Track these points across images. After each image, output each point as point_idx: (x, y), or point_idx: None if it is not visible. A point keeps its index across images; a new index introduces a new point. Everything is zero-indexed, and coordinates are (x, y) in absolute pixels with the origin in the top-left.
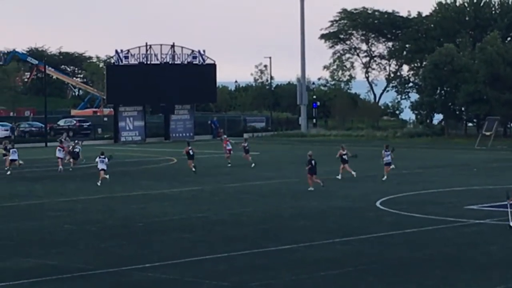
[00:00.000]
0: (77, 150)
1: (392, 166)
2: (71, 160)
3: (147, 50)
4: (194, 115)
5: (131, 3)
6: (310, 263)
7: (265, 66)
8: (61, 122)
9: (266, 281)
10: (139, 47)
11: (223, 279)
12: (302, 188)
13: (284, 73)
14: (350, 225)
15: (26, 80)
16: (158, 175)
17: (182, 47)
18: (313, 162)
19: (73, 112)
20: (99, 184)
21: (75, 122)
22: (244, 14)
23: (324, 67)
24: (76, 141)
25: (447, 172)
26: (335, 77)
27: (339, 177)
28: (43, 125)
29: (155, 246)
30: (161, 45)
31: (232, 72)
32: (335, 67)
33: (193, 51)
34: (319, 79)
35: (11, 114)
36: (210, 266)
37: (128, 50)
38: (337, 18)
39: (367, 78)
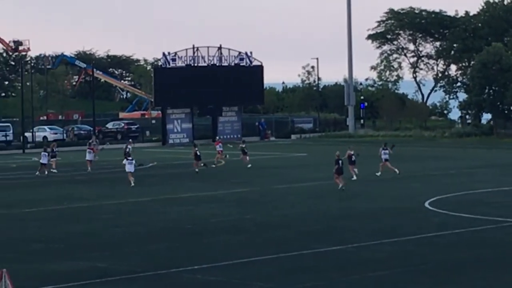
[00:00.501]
0: (128, 150)
1: (397, 169)
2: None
3: (194, 53)
4: (242, 117)
5: (178, 6)
6: (358, 264)
7: (312, 67)
8: (109, 125)
9: (314, 282)
10: (186, 49)
11: (271, 281)
12: (351, 189)
13: (332, 74)
14: (398, 226)
15: (74, 83)
16: (206, 177)
17: (229, 49)
18: (340, 162)
19: (121, 115)
20: (132, 184)
21: (123, 125)
22: (291, 15)
23: (372, 67)
24: (130, 140)
25: (496, 172)
26: (383, 77)
27: (354, 178)
28: (92, 128)
29: (204, 248)
30: (208, 47)
31: (279, 74)
32: (382, 67)
33: (240, 52)
34: (366, 79)
35: (60, 117)
36: (258, 268)
37: (176, 53)
38: (384, 18)
39: (415, 78)
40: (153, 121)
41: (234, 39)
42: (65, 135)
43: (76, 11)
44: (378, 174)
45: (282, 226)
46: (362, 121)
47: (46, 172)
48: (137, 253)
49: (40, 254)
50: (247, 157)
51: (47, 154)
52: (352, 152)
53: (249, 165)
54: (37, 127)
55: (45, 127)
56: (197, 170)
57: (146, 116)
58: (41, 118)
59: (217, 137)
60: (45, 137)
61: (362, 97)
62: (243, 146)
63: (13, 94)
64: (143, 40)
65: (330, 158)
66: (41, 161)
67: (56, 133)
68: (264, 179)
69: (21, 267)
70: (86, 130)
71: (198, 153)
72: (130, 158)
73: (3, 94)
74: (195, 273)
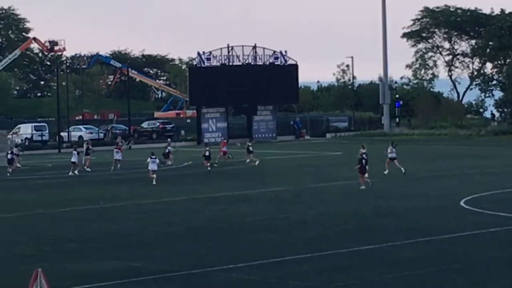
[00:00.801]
0: (167, 151)
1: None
2: (168, 160)
3: (229, 52)
4: (277, 116)
5: (213, 5)
6: (392, 263)
7: (347, 65)
8: (144, 124)
9: (349, 281)
10: (221, 48)
11: (305, 280)
12: (385, 187)
13: (367, 72)
14: (433, 225)
15: (109, 83)
16: (241, 176)
17: (264, 48)
18: (363, 161)
19: (157, 114)
20: (154, 183)
21: (158, 124)
22: (325, 14)
23: (407, 66)
24: (169, 140)
25: None
26: (418, 75)
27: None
28: (127, 128)
29: (239, 247)
30: (242, 46)
31: (314, 72)
32: (417, 65)
33: (274, 51)
34: (401, 78)
35: (95, 117)
36: (293, 267)
37: (210, 52)
38: (419, 17)
39: (450, 76)
40: (188, 120)
41: (269, 38)
42: (102, 134)
43: (111, 11)
44: (386, 172)
45: (317, 225)
46: (397, 119)
47: (76, 171)
48: (172, 252)
49: (75, 254)
50: (251, 155)
51: (77, 153)
52: (364, 151)
53: (257, 162)
54: (72, 127)
55: (81, 126)
56: (209, 168)
57: (181, 116)
58: (77, 117)
59: (222, 138)
60: (80, 137)
61: (397, 96)
62: (249, 144)
63: (48, 94)
64: (178, 40)
65: None
66: (71, 160)
67: (91, 133)
68: (299, 178)
69: (56, 266)
70: (122, 130)
71: (207, 153)
72: (153, 156)
73: (39, 94)
74: (230, 272)
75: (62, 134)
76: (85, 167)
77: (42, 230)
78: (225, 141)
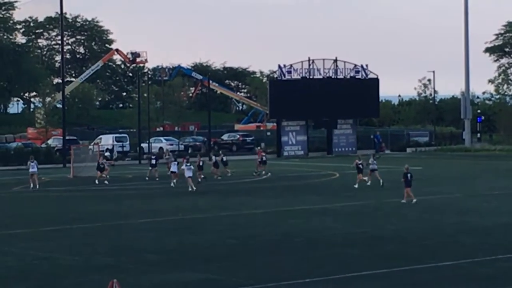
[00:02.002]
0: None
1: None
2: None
3: (309, 65)
4: (357, 130)
5: (294, 18)
6: (471, 280)
7: (429, 80)
8: (225, 137)
9: None
10: (302, 61)
11: None
12: (466, 203)
13: (448, 87)
14: None
15: (190, 95)
16: (320, 189)
17: (344, 62)
18: (408, 175)
19: (237, 126)
20: (191, 189)
21: (238, 136)
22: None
23: (489, 81)
24: (220, 152)
25: None
26: (500, 90)
27: (356, 186)
28: (207, 140)
29: (316, 261)
30: (323, 59)
31: (395, 87)
32: (500, 80)
33: (355, 65)
34: (483, 93)
35: (176, 128)
36: (370, 282)
37: (291, 65)
38: (502, 31)
39: None
40: (268, 133)
41: (350, 52)
42: (199, 145)
43: (193, 23)
44: (368, 183)
45: (395, 240)
46: (478, 135)
47: (175, 180)
48: (249, 265)
49: (152, 265)
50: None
51: (177, 162)
52: (360, 161)
53: (268, 174)
54: (153, 138)
55: (161, 138)
56: (199, 180)
57: (262, 128)
58: (158, 129)
59: (258, 148)
60: (161, 148)
61: (478, 111)
62: (263, 154)
63: (130, 105)
64: (259, 52)
65: (445, 172)
66: (171, 169)
67: (172, 144)
68: (378, 192)
69: (132, 277)
70: (202, 142)
71: (201, 163)
72: (188, 164)
73: (121, 105)
74: (306, 286)
75: (142, 145)
76: (156, 177)
77: (120, 241)
78: (261, 150)
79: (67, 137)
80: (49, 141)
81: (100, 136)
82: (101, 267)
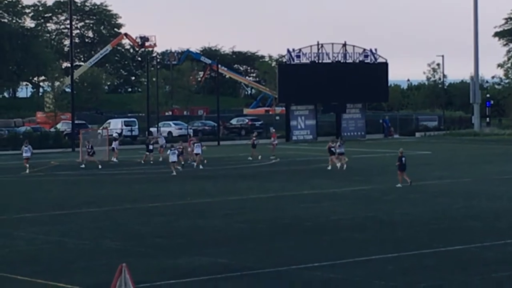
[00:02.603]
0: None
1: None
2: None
3: (318, 49)
4: (366, 114)
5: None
6: (480, 264)
7: (438, 64)
8: (233, 121)
9: (435, 282)
10: (311, 46)
11: (392, 280)
12: (475, 188)
13: (457, 71)
14: None
15: (199, 79)
16: (329, 174)
17: (353, 46)
18: (403, 159)
19: (246, 111)
20: (174, 173)
21: (247, 121)
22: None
23: (498, 65)
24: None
25: None
26: (509, 75)
27: (338, 165)
28: (216, 124)
29: (324, 245)
30: (332, 44)
31: (404, 71)
32: (509, 65)
33: (364, 49)
34: (493, 77)
35: (185, 113)
36: (378, 266)
37: (300, 49)
38: None
39: None
40: (277, 118)
41: (358, 36)
42: (217, 129)
43: (202, 7)
44: (338, 165)
45: (404, 225)
46: (487, 119)
47: (180, 167)
48: (258, 249)
49: (161, 249)
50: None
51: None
52: (333, 145)
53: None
54: (162, 122)
55: (170, 122)
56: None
57: (270, 113)
58: (166, 113)
59: (272, 129)
60: (169, 132)
61: (488, 95)
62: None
63: (139, 90)
64: (268, 37)
65: (454, 156)
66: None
67: (180, 129)
68: (387, 177)
69: (142, 261)
70: (211, 126)
71: (256, 143)
72: (173, 148)
73: (130, 89)
74: (315, 270)
75: (151, 129)
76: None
77: (129, 225)
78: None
79: (76, 121)
80: (58, 125)
81: (109, 120)
82: (110, 251)
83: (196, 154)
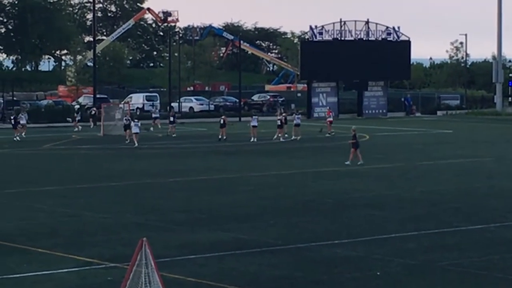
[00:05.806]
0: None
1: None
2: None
3: (341, 26)
4: (388, 92)
5: None
6: (500, 243)
7: (461, 43)
8: (255, 97)
9: (455, 260)
10: (334, 23)
11: (411, 258)
12: (496, 167)
13: (480, 50)
14: None
15: (221, 55)
16: (349, 151)
17: (376, 24)
18: (356, 136)
19: (267, 87)
20: (136, 145)
21: (269, 97)
22: None
23: None
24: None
25: None
26: None
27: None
28: (238, 100)
29: (345, 223)
30: (355, 21)
31: (427, 49)
32: None
33: (387, 27)
34: None
35: (206, 88)
36: (398, 244)
37: (323, 26)
38: None
39: None
40: (299, 94)
41: (381, 14)
42: (265, 105)
43: None
44: (292, 138)
45: (425, 203)
46: (510, 99)
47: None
48: (278, 225)
49: (181, 224)
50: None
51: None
52: (279, 117)
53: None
54: (183, 98)
55: (192, 97)
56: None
57: (292, 89)
58: (188, 88)
59: (328, 108)
60: (191, 108)
61: (510, 75)
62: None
63: (161, 65)
64: (290, 13)
65: (476, 135)
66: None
67: (202, 104)
68: (408, 155)
69: (161, 236)
70: (232, 102)
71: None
72: (136, 120)
73: (152, 64)
74: (334, 247)
75: (173, 104)
76: (173, 135)
77: (149, 199)
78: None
79: (97, 96)
80: (80, 99)
81: (131, 95)
82: (130, 225)
83: (254, 127)
